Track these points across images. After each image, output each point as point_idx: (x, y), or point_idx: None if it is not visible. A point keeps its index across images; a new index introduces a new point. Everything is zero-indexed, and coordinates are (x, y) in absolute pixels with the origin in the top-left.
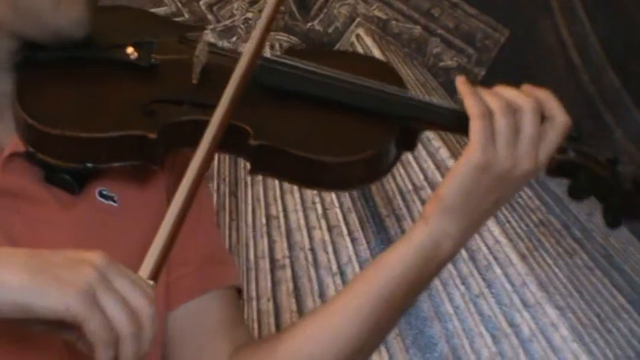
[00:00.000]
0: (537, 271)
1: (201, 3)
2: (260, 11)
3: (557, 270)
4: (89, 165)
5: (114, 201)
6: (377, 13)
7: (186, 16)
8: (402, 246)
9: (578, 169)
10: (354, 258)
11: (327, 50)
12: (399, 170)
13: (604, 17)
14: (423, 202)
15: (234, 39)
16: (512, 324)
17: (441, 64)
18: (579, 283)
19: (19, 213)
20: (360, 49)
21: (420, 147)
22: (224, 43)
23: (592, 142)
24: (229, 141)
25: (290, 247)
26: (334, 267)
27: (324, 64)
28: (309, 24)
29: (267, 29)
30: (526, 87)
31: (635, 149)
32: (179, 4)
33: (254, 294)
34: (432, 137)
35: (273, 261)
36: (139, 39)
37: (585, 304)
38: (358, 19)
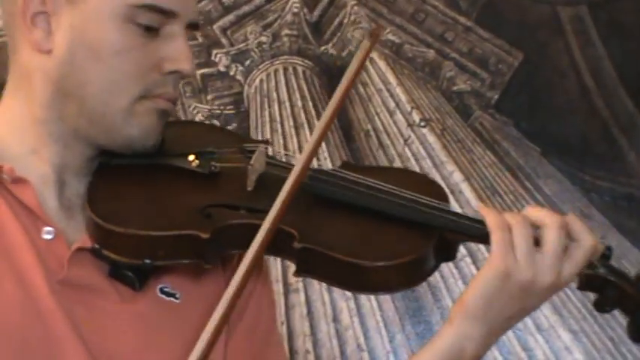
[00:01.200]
0: None
1: (215, 27)
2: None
3: (570, 293)
4: (147, 261)
5: (175, 298)
6: (391, 37)
7: (200, 39)
8: (430, 348)
9: (607, 284)
10: None
11: (378, 166)
12: None
13: (617, 40)
14: None
15: (247, 62)
16: (525, 348)
17: (455, 87)
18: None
19: (84, 304)
20: (373, 73)
21: (433, 170)
22: (280, 155)
23: (606, 164)
24: (276, 244)
25: None
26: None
27: (370, 176)
28: (323, 47)
29: (320, 142)
30: (552, 212)
31: None
32: None
33: None
34: (445, 161)
35: (286, 285)
36: (201, 148)
37: (599, 328)
38: None
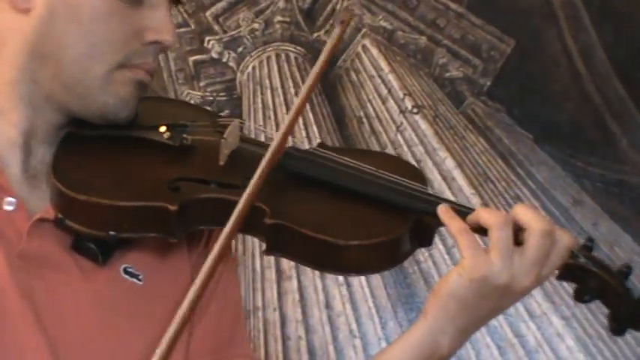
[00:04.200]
0: None
1: (207, 14)
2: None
3: None
4: (112, 233)
5: (138, 279)
6: (383, 23)
7: (193, 26)
8: (403, 340)
9: (588, 275)
10: None
11: (355, 148)
12: None
13: (609, 27)
14: None
15: (240, 49)
16: (518, 334)
17: (447, 74)
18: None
19: (42, 278)
20: (366, 60)
21: (425, 157)
22: (252, 129)
23: (598, 151)
24: (246, 220)
25: None
26: (340, 277)
27: (347, 156)
28: (315, 34)
29: (296, 118)
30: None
31: None
32: (185, 15)
33: (260, 304)
34: (437, 147)
35: (279, 271)
36: (173, 122)
37: (591, 315)
38: (364, 30)
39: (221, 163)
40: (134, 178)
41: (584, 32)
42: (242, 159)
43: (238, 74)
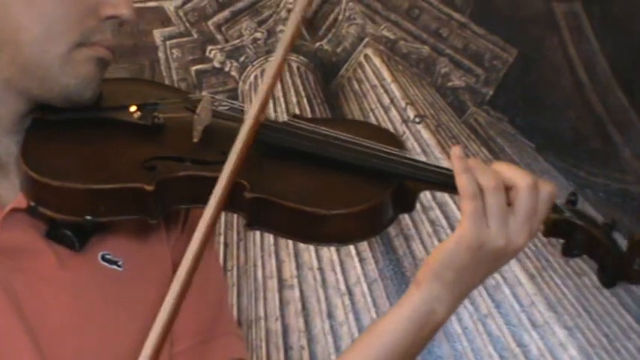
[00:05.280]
0: (546, 291)
1: (209, 23)
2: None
3: (565, 290)
4: (88, 218)
5: (118, 265)
6: (385, 33)
7: (195, 35)
8: (394, 313)
9: (574, 228)
10: (362, 278)
11: (329, 118)
12: None
13: (612, 36)
14: (431, 222)
15: (242, 58)
16: (520, 344)
17: (450, 83)
18: (588, 303)
19: (19, 271)
20: (368, 69)
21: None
22: (225, 104)
23: (600, 160)
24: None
25: (298, 266)
26: (342, 287)
27: (324, 126)
28: (318, 44)
29: (271, 89)
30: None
31: None
32: (187, 24)
33: (262, 314)
34: (439, 157)
35: (281, 281)
36: (143, 101)
37: (594, 324)
38: (367, 39)
39: (195, 139)
40: (107, 160)
41: (587, 42)
42: (216, 134)
43: (240, 83)
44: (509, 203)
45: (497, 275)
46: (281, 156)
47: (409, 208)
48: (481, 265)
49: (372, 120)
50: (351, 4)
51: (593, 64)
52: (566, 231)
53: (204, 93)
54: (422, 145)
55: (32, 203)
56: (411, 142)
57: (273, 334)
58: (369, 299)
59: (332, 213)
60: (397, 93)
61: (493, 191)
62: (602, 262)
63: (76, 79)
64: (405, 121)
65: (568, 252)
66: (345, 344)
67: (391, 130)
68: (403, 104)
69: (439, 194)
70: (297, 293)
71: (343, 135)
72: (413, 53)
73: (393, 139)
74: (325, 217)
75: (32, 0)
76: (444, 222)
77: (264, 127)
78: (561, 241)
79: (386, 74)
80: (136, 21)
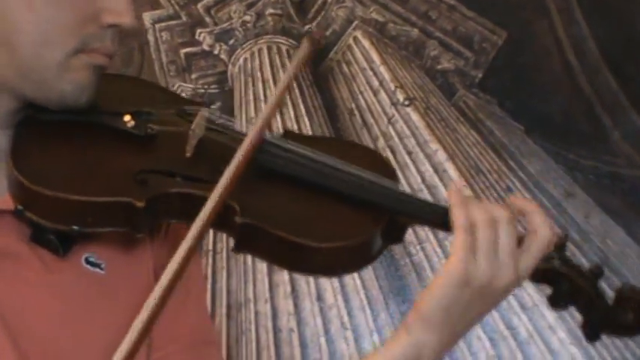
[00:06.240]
0: None
1: (199, 6)
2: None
3: None
4: (75, 228)
5: (101, 268)
6: (374, 15)
7: (184, 18)
8: (384, 356)
9: (560, 277)
10: None
11: (323, 137)
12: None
13: (601, 19)
14: None
15: (231, 41)
16: (509, 326)
17: (439, 66)
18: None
19: (3, 275)
20: (357, 52)
21: (417, 149)
22: (220, 119)
23: (590, 143)
24: (216, 218)
25: None
26: None
27: (320, 150)
28: (307, 26)
29: (274, 113)
30: (514, 199)
31: (633, 151)
32: (177, 7)
33: (251, 296)
34: (428, 139)
35: None
36: (138, 108)
37: None
38: (356, 22)
39: (188, 154)
40: (98, 169)
41: (576, 24)
42: (209, 150)
43: (230, 66)
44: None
45: None
46: (272, 179)
47: (398, 240)
48: (468, 305)
49: (361, 102)
50: None
51: (583, 47)
52: (551, 279)
53: (201, 111)
54: (411, 127)
55: (19, 207)
56: (400, 125)
57: (263, 317)
58: (358, 282)
59: (322, 246)
60: (386, 75)
61: (484, 224)
62: (588, 314)
63: (72, 85)
64: (394, 103)
65: (555, 303)
66: (335, 327)
67: (381, 111)
68: (392, 87)
69: (428, 176)
70: (286, 276)
71: (339, 163)
72: (402, 36)
73: (388, 169)
74: (315, 250)
75: (33, 3)
76: None
77: (260, 150)
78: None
79: (375, 57)
80: (136, 29)
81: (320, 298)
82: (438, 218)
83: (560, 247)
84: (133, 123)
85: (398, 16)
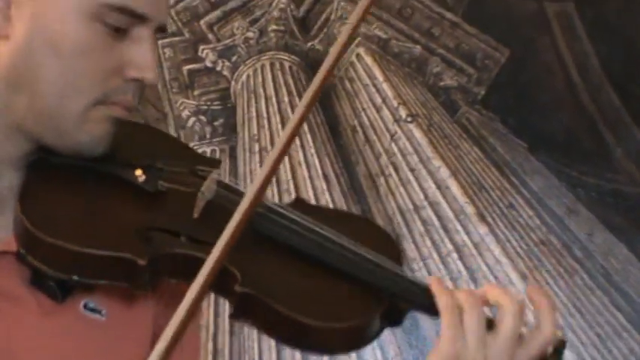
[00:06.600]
0: None
1: (201, 22)
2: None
3: (557, 289)
4: (74, 277)
5: (101, 315)
6: (377, 32)
7: (187, 35)
8: None
9: None
10: None
11: (336, 210)
12: (399, 189)
13: (603, 36)
14: (423, 221)
15: (234, 58)
16: None
17: (442, 83)
18: (580, 302)
19: (1, 315)
20: (360, 69)
21: (420, 166)
22: (229, 187)
23: (592, 160)
24: (216, 282)
25: None
26: None
27: (325, 224)
28: (310, 43)
29: (271, 176)
30: (532, 290)
31: (635, 168)
32: (179, 24)
33: None
34: (431, 156)
35: None
36: (151, 162)
37: (586, 324)
38: (359, 39)
39: (195, 216)
40: (104, 221)
41: (578, 42)
42: (217, 213)
43: (232, 83)
44: (492, 323)
45: (489, 275)
46: (275, 249)
47: (397, 323)
48: None
49: (364, 119)
50: (343, 3)
51: (585, 64)
52: None
53: (213, 173)
54: (414, 144)
55: (22, 250)
56: (402, 142)
57: None
58: None
59: (321, 326)
60: (389, 92)
61: (471, 307)
62: None
63: (89, 136)
64: (396, 120)
65: None
66: None
67: (384, 128)
68: (395, 103)
69: (431, 193)
70: None
71: (345, 240)
72: (405, 52)
73: (394, 249)
74: (313, 329)
75: (60, 51)
76: (435, 222)
77: (261, 217)
78: None
79: (378, 74)
80: (156, 84)
81: None
82: (434, 306)
83: (558, 350)
84: (143, 178)
85: (401, 33)
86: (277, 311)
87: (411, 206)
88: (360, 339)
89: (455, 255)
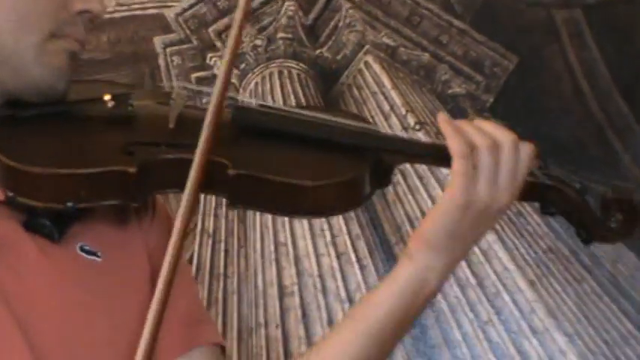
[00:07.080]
0: (546, 297)
1: (209, 30)
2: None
3: (565, 297)
4: (70, 204)
5: (97, 256)
6: (385, 40)
7: (195, 42)
8: (388, 284)
9: (547, 189)
10: (362, 285)
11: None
12: (407, 197)
13: (612, 43)
14: None
15: (242, 65)
16: (520, 351)
17: (450, 91)
18: (587, 309)
19: (2, 262)
20: (368, 76)
21: (428, 174)
22: (196, 88)
23: (600, 167)
24: (208, 177)
25: (298, 273)
26: (343, 294)
27: (296, 109)
28: (318, 51)
29: (232, 62)
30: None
31: None
32: (187, 32)
33: (262, 321)
34: None
35: (281, 288)
36: (116, 90)
37: (594, 331)
38: (367, 47)
39: (171, 125)
40: (85, 147)
41: (587, 49)
42: (190, 121)
43: (241, 90)
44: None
45: (497, 282)
46: (258, 136)
47: (386, 182)
48: (470, 227)
49: None
50: (351, 11)
51: (594, 71)
52: (540, 193)
53: (177, 83)
54: None
55: (10, 194)
56: None
57: (274, 342)
58: None
59: (315, 184)
60: (397, 100)
61: (487, 150)
62: (579, 221)
63: (49, 68)
64: (405, 128)
65: (546, 211)
66: None
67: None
68: (403, 111)
69: (439, 201)
70: (297, 300)
71: (318, 114)
72: (413, 60)
73: (364, 119)
74: (309, 189)
75: None
76: None
77: (238, 110)
78: (536, 204)
79: (386, 81)
80: (103, 16)
81: (331, 322)
82: (422, 151)
83: (541, 167)
84: (113, 103)
85: (409, 40)
86: (271, 181)
87: (419, 214)
88: (354, 195)
89: (463, 262)
